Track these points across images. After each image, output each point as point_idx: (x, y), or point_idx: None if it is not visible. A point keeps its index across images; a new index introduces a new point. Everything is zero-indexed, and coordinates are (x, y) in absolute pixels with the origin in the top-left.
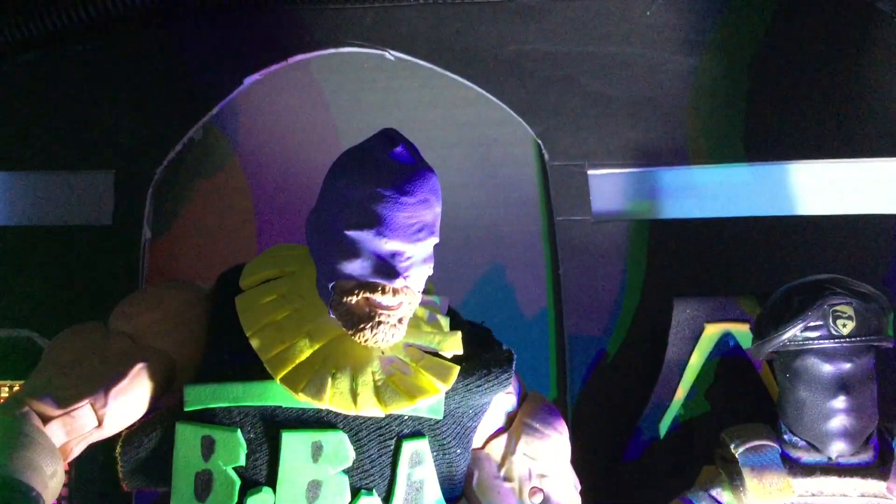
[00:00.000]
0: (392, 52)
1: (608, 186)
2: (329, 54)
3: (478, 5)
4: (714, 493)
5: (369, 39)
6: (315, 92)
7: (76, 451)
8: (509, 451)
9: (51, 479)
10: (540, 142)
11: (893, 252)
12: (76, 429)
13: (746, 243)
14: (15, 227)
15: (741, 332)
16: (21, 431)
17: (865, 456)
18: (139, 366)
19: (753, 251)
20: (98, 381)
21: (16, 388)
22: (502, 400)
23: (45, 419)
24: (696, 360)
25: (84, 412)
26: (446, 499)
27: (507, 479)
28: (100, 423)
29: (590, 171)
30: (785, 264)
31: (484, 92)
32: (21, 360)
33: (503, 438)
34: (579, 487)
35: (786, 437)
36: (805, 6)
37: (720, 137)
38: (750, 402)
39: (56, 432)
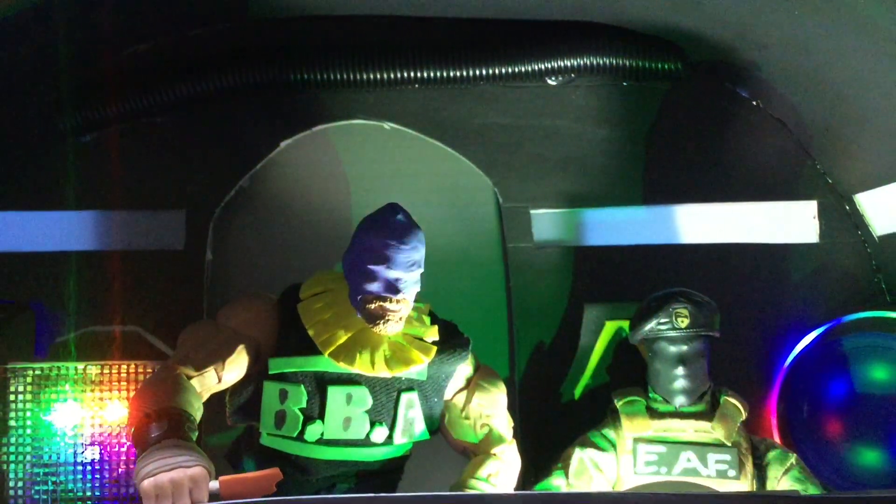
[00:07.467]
0: (388, 123)
1: (546, 222)
2: (343, 125)
3: (451, 90)
4: (604, 432)
5: (372, 113)
6: (332, 152)
7: (205, 397)
8: (468, 400)
9: (197, 411)
10: (496, 189)
11: (746, 271)
12: (206, 383)
13: (641, 264)
14: (115, 251)
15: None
16: (179, 383)
17: (700, 406)
18: (241, 346)
19: (645, 270)
20: (218, 355)
21: (130, 366)
22: (463, 369)
23: (188, 377)
24: (600, 347)
25: (211, 374)
26: (428, 431)
27: (466, 418)
28: (219, 381)
29: (532, 211)
30: (667, 279)
31: (455, 153)
32: (130, 347)
33: (464, 393)
34: (512, 425)
35: (650, 394)
36: (685, 92)
37: (625, 186)
38: (632, 374)
39: (195, 385)
